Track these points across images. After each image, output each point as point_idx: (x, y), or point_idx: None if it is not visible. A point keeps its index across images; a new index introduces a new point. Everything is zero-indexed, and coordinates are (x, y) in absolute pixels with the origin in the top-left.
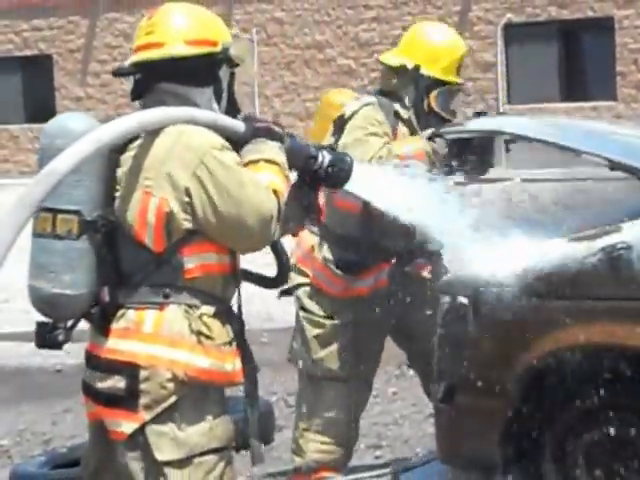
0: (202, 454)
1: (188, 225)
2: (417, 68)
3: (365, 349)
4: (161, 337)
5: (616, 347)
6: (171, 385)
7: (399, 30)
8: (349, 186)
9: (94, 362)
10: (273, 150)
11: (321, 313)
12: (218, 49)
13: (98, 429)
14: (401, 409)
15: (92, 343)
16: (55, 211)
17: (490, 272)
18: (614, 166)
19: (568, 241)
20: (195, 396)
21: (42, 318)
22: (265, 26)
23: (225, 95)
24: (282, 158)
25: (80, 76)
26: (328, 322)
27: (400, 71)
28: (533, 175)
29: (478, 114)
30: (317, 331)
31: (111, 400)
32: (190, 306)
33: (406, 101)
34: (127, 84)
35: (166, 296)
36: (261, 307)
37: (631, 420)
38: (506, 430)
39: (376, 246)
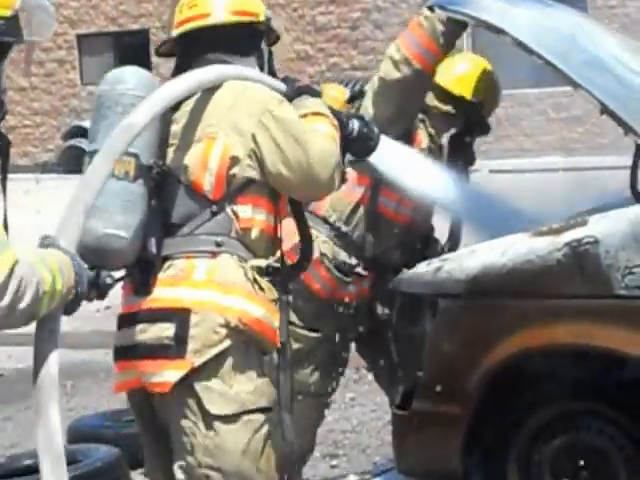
0: (251, 412)
1: (250, 172)
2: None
3: (339, 362)
4: (213, 283)
5: (583, 348)
6: (223, 330)
7: (358, 13)
8: (373, 158)
9: (132, 319)
10: (318, 104)
11: (301, 324)
12: (260, 20)
13: (140, 398)
14: (359, 415)
15: (127, 305)
16: None
17: (449, 269)
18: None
19: (532, 235)
20: (243, 350)
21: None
22: None
23: (266, 69)
24: (328, 111)
25: (23, 65)
26: (310, 335)
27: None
28: (500, 166)
29: None
30: (296, 345)
31: (156, 350)
32: (241, 257)
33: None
34: (72, 73)
35: (218, 245)
36: None
37: (600, 425)
38: (468, 437)
39: (375, 256)
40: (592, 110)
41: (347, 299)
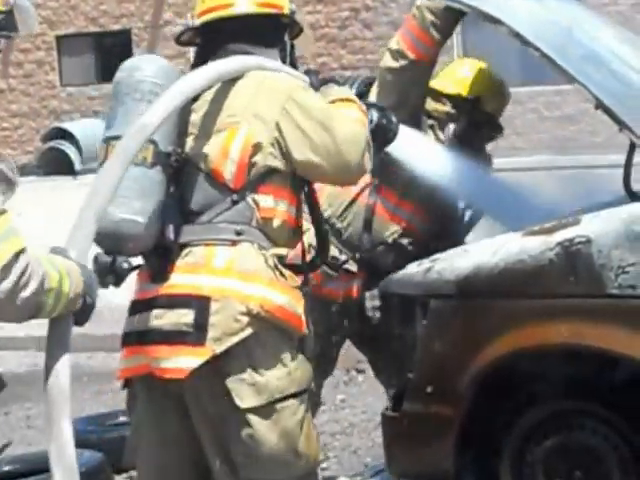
0: (283, 399)
1: (273, 161)
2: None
3: (328, 360)
4: (233, 272)
5: (575, 348)
6: (245, 318)
7: (347, 12)
8: (392, 148)
9: (147, 305)
10: (345, 91)
11: None
12: (284, 12)
13: (148, 385)
14: (349, 417)
15: (142, 291)
16: None
17: (440, 269)
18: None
19: (524, 235)
20: (270, 338)
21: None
22: None
23: (287, 62)
24: (355, 98)
25: (1, 67)
26: None
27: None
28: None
29: None
30: None
31: (172, 336)
32: (261, 245)
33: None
34: (52, 75)
35: (238, 233)
36: None
37: (594, 425)
38: (459, 438)
39: (367, 256)
40: (585, 108)
41: (333, 295)
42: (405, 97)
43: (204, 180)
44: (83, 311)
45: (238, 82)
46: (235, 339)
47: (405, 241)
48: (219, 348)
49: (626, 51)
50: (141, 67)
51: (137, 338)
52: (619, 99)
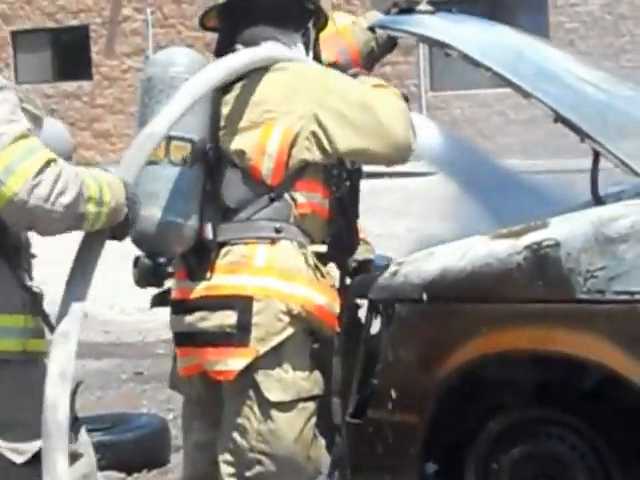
0: (306, 399)
1: (307, 154)
2: None
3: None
4: (275, 270)
5: (543, 353)
6: (286, 318)
7: None
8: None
9: (190, 305)
10: (374, 80)
11: None
12: None
13: (198, 383)
14: None
15: (182, 290)
16: (169, 138)
17: (406, 272)
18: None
19: (491, 238)
20: (301, 338)
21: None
22: (161, 5)
23: (311, 54)
24: (386, 83)
25: None
26: None
27: None
28: None
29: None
30: None
31: (218, 338)
32: (301, 243)
33: None
34: (7, 71)
35: (278, 231)
36: (157, 315)
37: (561, 433)
38: (424, 446)
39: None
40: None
41: None
42: None
43: (241, 177)
44: (124, 226)
45: (269, 74)
46: (278, 338)
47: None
48: (263, 348)
49: (579, 68)
50: (175, 62)
51: (187, 340)
52: (577, 110)
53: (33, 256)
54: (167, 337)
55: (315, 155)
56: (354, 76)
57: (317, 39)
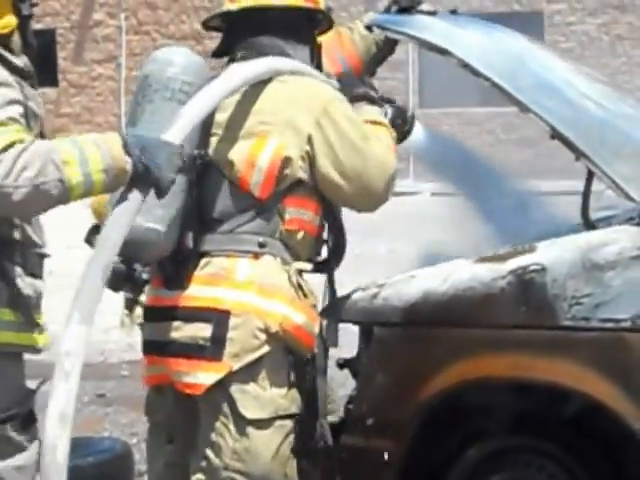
0: (283, 417)
1: (301, 174)
2: None
3: None
4: (255, 285)
5: (525, 381)
6: (263, 335)
7: None
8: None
9: (164, 314)
10: (375, 112)
11: None
12: (319, 7)
13: (170, 398)
14: None
15: (157, 297)
16: None
17: (386, 295)
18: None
19: (475, 262)
20: (279, 355)
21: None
22: (135, 11)
23: (314, 63)
24: (385, 120)
25: None
26: None
27: None
28: (444, 189)
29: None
30: None
31: (190, 350)
32: (285, 260)
33: None
34: None
35: (261, 245)
36: (120, 335)
37: (541, 462)
38: (400, 474)
39: None
40: (543, 132)
41: None
42: None
43: (228, 187)
44: (154, 185)
45: (269, 84)
46: (253, 356)
47: None
48: (236, 365)
49: (581, 81)
50: (173, 62)
51: (157, 349)
52: (574, 127)
53: (42, 255)
54: (130, 358)
55: (308, 175)
56: (353, 100)
57: (319, 47)
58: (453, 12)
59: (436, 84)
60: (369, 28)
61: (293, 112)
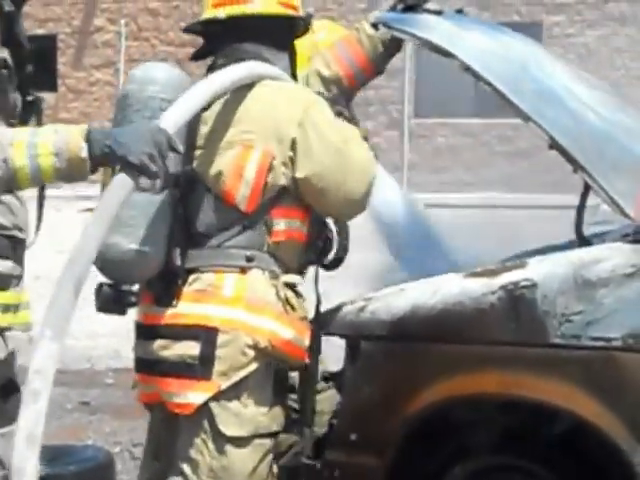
0: (263, 436)
1: (284, 181)
2: None
3: None
4: (243, 301)
5: (512, 398)
6: (251, 352)
7: None
8: None
9: (153, 332)
10: (353, 129)
11: None
12: (300, 14)
13: (158, 412)
14: None
15: (146, 314)
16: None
17: (374, 309)
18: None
19: (465, 276)
20: (265, 372)
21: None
22: (136, 17)
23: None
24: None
25: None
26: None
27: None
28: (437, 200)
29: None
30: None
31: (179, 369)
32: (273, 273)
33: None
34: None
35: (249, 259)
36: (107, 342)
37: None
38: None
39: None
40: (539, 145)
41: None
42: None
43: (214, 201)
44: (121, 161)
45: (251, 91)
46: (241, 374)
47: None
48: (225, 383)
49: (582, 90)
50: (154, 79)
51: (147, 367)
52: (574, 138)
53: (11, 237)
54: (117, 366)
55: (291, 181)
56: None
57: (295, 53)
58: (459, 12)
59: (432, 93)
60: (375, 26)
61: (276, 118)
